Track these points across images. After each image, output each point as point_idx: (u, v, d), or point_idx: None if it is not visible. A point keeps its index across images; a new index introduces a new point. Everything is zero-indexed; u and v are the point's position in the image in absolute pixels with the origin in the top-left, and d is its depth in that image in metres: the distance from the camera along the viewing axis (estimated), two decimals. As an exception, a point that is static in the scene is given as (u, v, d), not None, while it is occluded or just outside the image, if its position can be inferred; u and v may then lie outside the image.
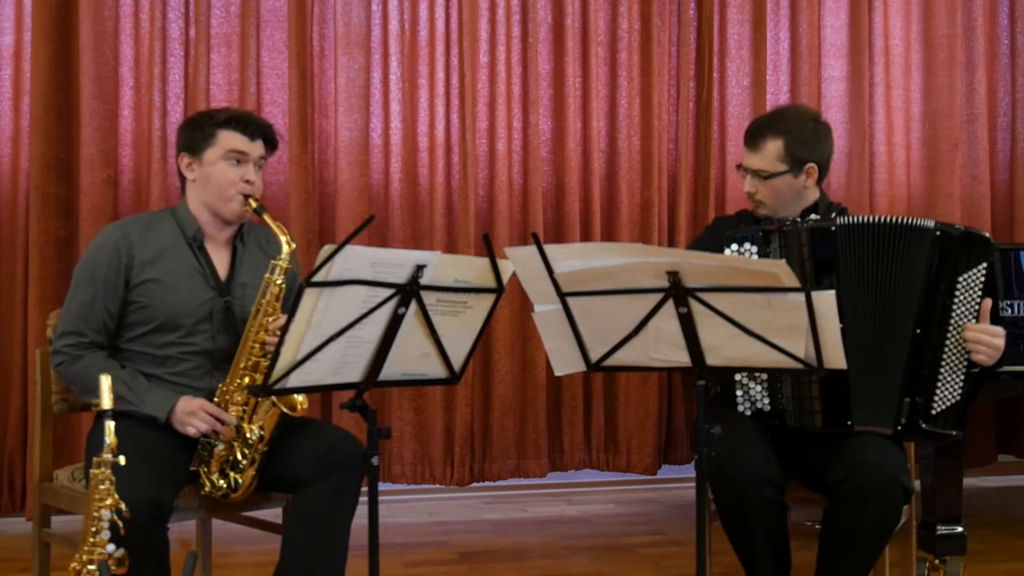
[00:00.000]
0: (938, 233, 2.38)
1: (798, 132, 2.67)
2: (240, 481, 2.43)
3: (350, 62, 3.86)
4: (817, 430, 2.42)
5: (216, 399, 2.47)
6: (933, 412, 2.38)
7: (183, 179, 2.62)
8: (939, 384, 2.38)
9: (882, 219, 2.41)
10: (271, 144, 2.63)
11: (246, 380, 2.45)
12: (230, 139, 2.54)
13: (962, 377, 2.37)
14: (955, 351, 2.37)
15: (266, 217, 2.51)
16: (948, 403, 2.38)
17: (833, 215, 2.62)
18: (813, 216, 2.65)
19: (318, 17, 3.91)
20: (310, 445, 2.42)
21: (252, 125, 2.58)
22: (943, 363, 2.38)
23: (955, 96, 4.22)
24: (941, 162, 4.24)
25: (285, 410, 2.39)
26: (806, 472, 2.49)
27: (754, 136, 2.71)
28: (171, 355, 2.52)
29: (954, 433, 2.39)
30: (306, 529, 2.36)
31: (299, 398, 2.42)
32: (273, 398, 2.38)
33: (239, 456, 2.43)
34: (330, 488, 2.36)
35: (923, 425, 2.37)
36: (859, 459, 2.32)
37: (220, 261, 2.60)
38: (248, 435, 2.42)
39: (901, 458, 2.39)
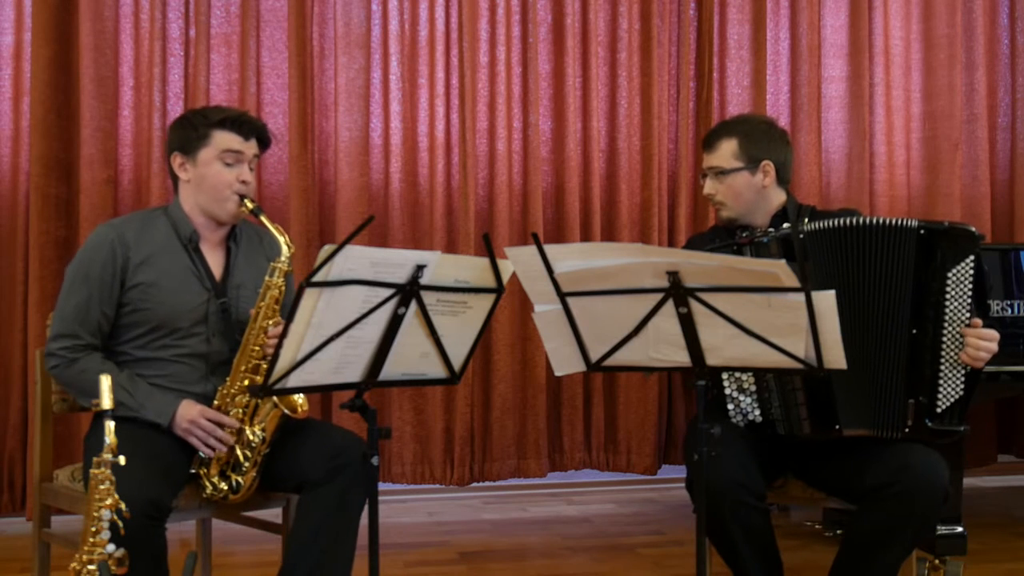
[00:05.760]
0: (922, 232, 2.38)
1: (750, 131, 2.77)
2: (241, 483, 2.42)
3: (350, 62, 3.86)
4: (807, 436, 2.43)
5: (216, 402, 2.46)
6: (938, 410, 2.38)
7: (175, 178, 2.58)
8: (941, 382, 2.38)
9: (851, 222, 2.42)
10: (264, 143, 2.61)
11: (246, 382, 2.43)
12: (225, 139, 2.51)
13: (962, 373, 2.38)
14: (952, 347, 2.38)
15: (263, 219, 2.47)
16: (951, 400, 2.38)
17: (806, 219, 2.63)
18: (786, 225, 2.66)
19: (318, 17, 3.90)
20: (319, 445, 2.41)
21: (247, 125, 2.55)
22: (942, 360, 2.38)
23: (955, 96, 4.22)
24: (941, 162, 4.24)
25: (287, 412, 2.39)
26: (833, 476, 2.49)
27: (709, 139, 2.82)
28: (164, 358, 2.49)
29: (961, 429, 2.40)
30: (315, 529, 2.34)
31: (299, 400, 2.41)
32: (275, 399, 2.37)
33: (241, 458, 2.42)
34: (340, 488, 2.34)
35: (929, 424, 2.38)
36: (905, 462, 2.34)
37: (215, 262, 2.57)
38: (250, 437, 2.41)
39: (943, 461, 2.39)
